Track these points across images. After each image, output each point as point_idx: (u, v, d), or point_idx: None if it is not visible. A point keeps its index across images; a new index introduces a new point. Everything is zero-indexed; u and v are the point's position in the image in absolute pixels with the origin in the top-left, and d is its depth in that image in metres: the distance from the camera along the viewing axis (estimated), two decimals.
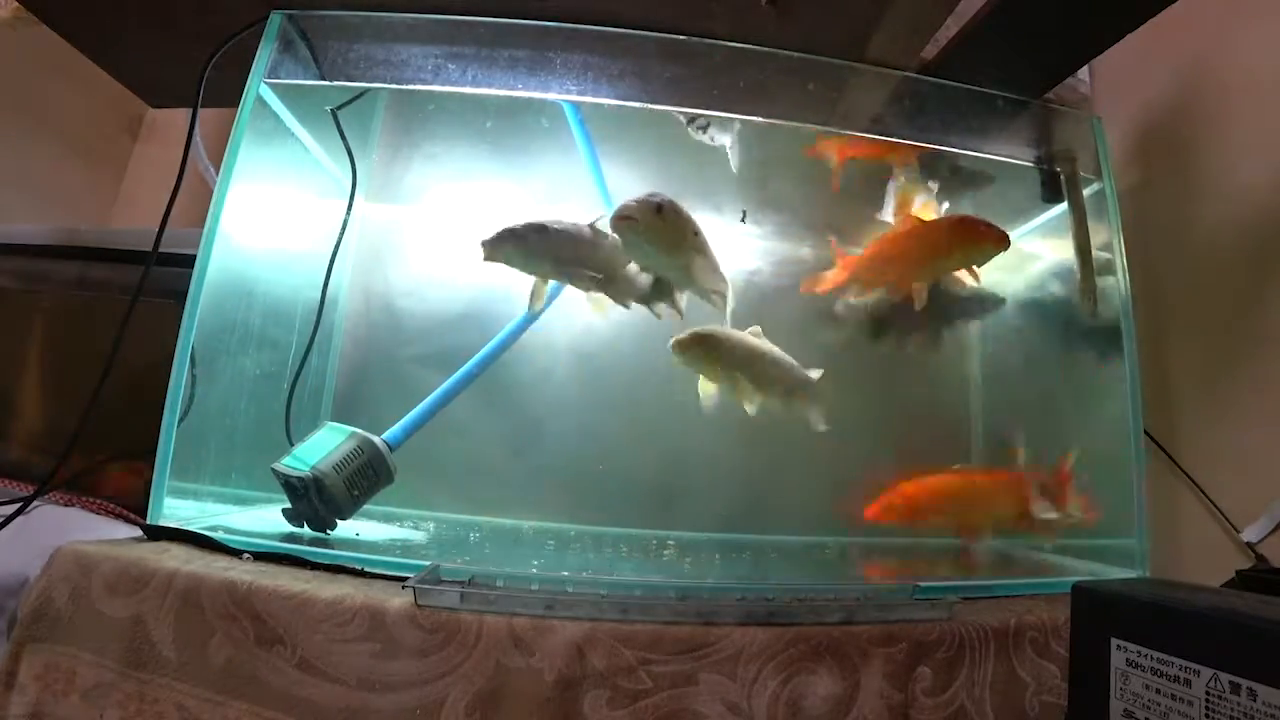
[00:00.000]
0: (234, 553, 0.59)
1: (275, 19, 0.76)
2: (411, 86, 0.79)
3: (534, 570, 0.63)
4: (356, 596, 0.51)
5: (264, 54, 0.74)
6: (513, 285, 0.90)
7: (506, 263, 0.75)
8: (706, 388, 0.78)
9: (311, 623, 0.50)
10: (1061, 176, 0.86)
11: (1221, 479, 0.80)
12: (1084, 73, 0.95)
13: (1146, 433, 0.79)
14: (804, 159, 0.92)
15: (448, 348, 0.87)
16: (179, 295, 0.66)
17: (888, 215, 0.91)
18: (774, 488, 0.96)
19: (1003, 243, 0.82)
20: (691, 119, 0.81)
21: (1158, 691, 0.45)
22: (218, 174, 0.70)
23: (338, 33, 0.78)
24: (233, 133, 0.71)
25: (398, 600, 0.51)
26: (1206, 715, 0.42)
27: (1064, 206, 0.86)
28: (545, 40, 0.77)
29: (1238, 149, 0.83)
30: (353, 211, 0.92)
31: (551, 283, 0.83)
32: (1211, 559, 0.78)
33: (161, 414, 0.64)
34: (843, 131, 0.85)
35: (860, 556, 0.87)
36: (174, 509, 0.65)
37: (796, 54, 0.78)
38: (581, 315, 0.88)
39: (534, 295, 0.78)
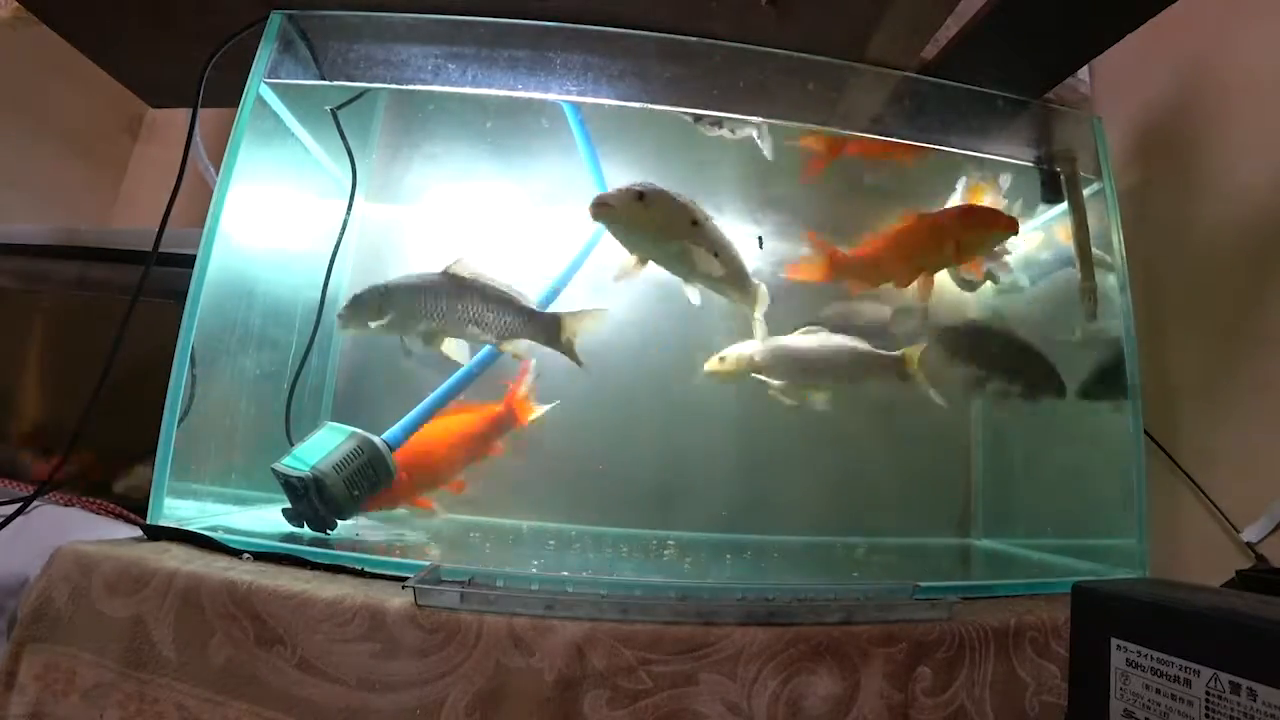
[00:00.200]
0: (234, 553, 0.59)
1: (275, 19, 0.76)
2: (411, 86, 0.79)
3: (534, 570, 0.63)
4: (356, 596, 0.51)
5: (264, 54, 0.74)
6: (513, 284, 0.91)
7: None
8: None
9: (311, 623, 0.50)
10: (1061, 176, 0.86)
11: (1221, 479, 0.80)
12: (1084, 73, 0.95)
13: (1146, 433, 0.79)
14: (804, 159, 0.92)
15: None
16: (179, 295, 0.66)
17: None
18: (774, 488, 0.96)
19: (1012, 228, 0.81)
20: (697, 116, 0.81)
21: (1158, 691, 0.45)
22: (218, 174, 0.70)
23: (338, 33, 0.78)
24: (233, 133, 0.71)
25: (398, 600, 0.51)
26: (1206, 715, 0.42)
27: (1064, 206, 0.86)
28: (545, 40, 0.77)
29: (1238, 149, 0.83)
30: (353, 211, 0.92)
31: (547, 286, 0.83)
32: (1211, 559, 0.78)
33: (161, 414, 0.64)
34: (843, 132, 0.85)
35: (862, 556, 0.87)
36: (174, 509, 0.65)
37: (796, 54, 0.78)
38: (579, 316, 0.88)
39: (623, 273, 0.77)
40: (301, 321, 0.88)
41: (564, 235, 0.91)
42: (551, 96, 0.79)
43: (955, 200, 0.91)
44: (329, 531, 0.69)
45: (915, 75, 0.81)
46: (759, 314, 0.83)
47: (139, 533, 0.63)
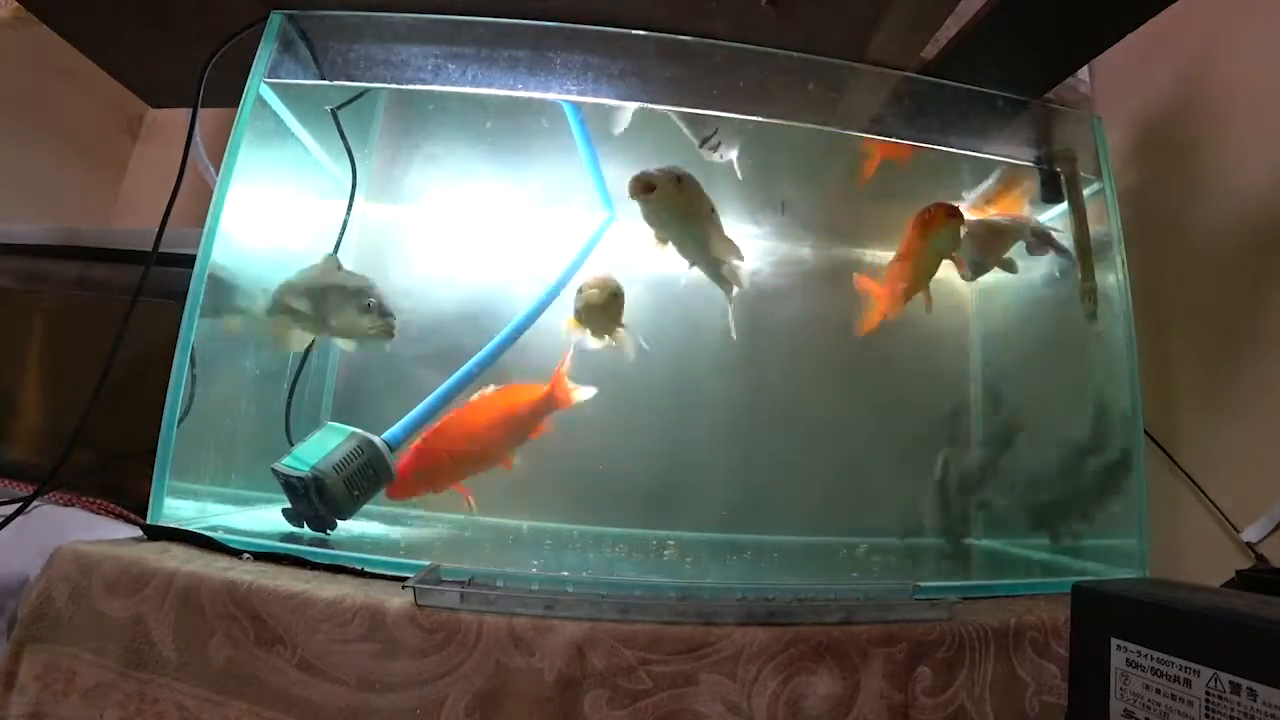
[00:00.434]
0: (234, 553, 0.59)
1: (275, 19, 0.76)
2: (411, 86, 0.79)
3: (534, 570, 0.63)
4: (356, 596, 0.51)
5: (264, 54, 0.74)
6: (513, 284, 0.91)
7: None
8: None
9: (311, 623, 0.50)
10: (1061, 176, 0.86)
11: (1221, 479, 0.80)
12: (1084, 73, 0.95)
13: (1146, 433, 0.79)
14: (804, 159, 0.92)
15: (448, 348, 0.87)
16: (179, 295, 0.66)
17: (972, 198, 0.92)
18: (774, 488, 0.96)
19: (954, 216, 0.81)
20: (703, 141, 0.82)
21: (1158, 691, 0.45)
22: (218, 174, 0.70)
23: (338, 33, 0.78)
24: (233, 133, 0.71)
25: (398, 600, 0.51)
26: (1206, 715, 0.42)
27: (1064, 206, 0.86)
28: (545, 40, 0.77)
29: (1238, 149, 0.83)
30: (353, 211, 0.92)
31: (547, 286, 0.83)
32: (1211, 559, 0.78)
33: (161, 414, 0.64)
34: (844, 132, 0.85)
35: (862, 556, 0.87)
36: (174, 509, 0.65)
37: (796, 54, 0.78)
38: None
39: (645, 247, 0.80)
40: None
41: (563, 235, 0.91)
42: (551, 96, 0.79)
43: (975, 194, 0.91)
44: (329, 531, 0.69)
45: (915, 75, 0.81)
46: (732, 296, 0.85)
47: (139, 533, 0.63)
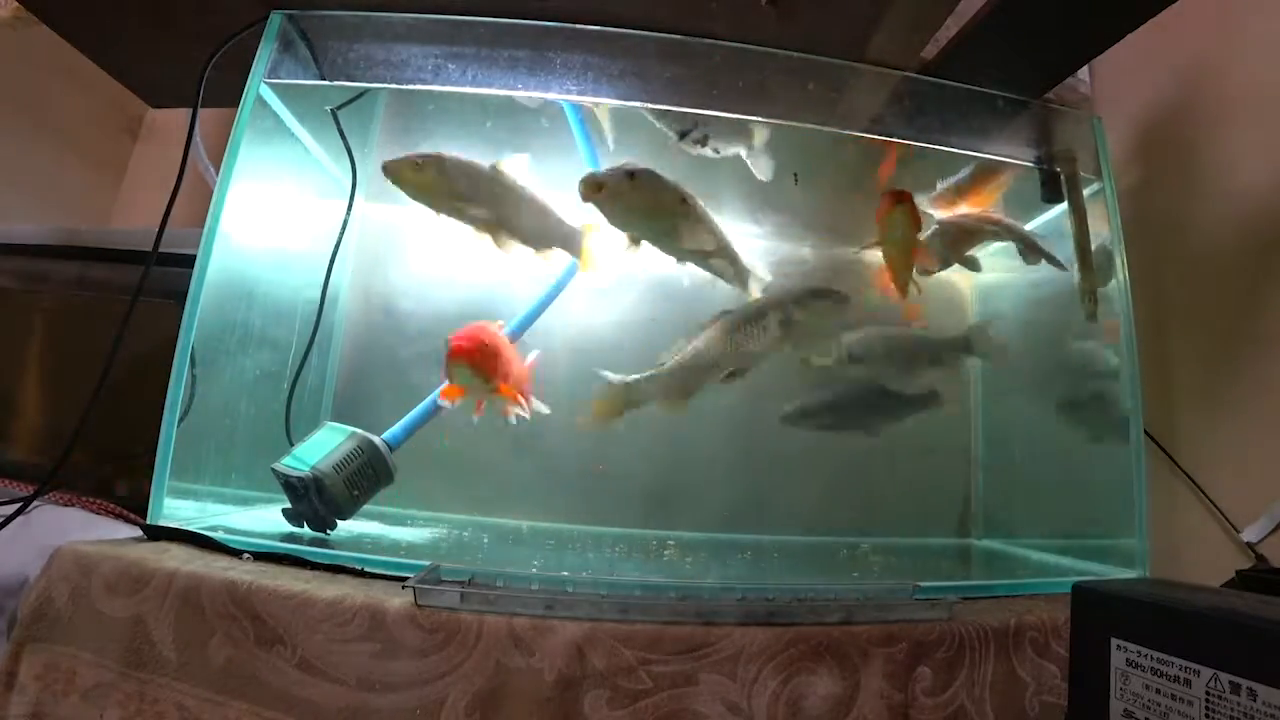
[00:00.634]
0: (234, 553, 0.59)
1: (275, 19, 0.76)
2: (411, 86, 0.79)
3: (534, 570, 0.63)
4: (356, 596, 0.51)
5: (264, 54, 0.74)
6: (513, 284, 0.91)
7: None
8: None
9: (311, 623, 0.50)
10: (1061, 176, 0.86)
11: (1221, 479, 0.80)
12: (1084, 73, 0.95)
13: (1146, 433, 0.79)
14: (804, 159, 0.92)
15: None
16: (179, 295, 0.66)
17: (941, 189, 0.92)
18: (774, 488, 0.96)
19: (901, 201, 0.82)
20: (682, 134, 0.81)
21: (1158, 691, 0.45)
22: (218, 174, 0.70)
23: (338, 33, 0.78)
24: (233, 133, 0.71)
25: (398, 600, 0.51)
26: (1206, 715, 0.42)
27: (1064, 206, 0.86)
28: (545, 40, 0.77)
29: (1238, 149, 0.83)
30: (353, 211, 0.92)
31: (551, 280, 0.83)
32: (1211, 559, 0.78)
33: (161, 414, 0.64)
34: (846, 132, 0.85)
35: (862, 556, 0.87)
36: (174, 509, 0.65)
37: (796, 54, 0.78)
38: (582, 315, 0.88)
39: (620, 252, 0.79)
40: (301, 321, 0.88)
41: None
42: (551, 96, 0.79)
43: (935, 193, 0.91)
44: (329, 531, 0.69)
45: (915, 75, 0.81)
46: (753, 293, 0.84)
47: (139, 533, 0.63)
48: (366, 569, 0.58)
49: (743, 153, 0.85)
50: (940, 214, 0.89)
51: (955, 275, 1.04)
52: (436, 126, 0.93)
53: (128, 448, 0.77)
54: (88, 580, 0.54)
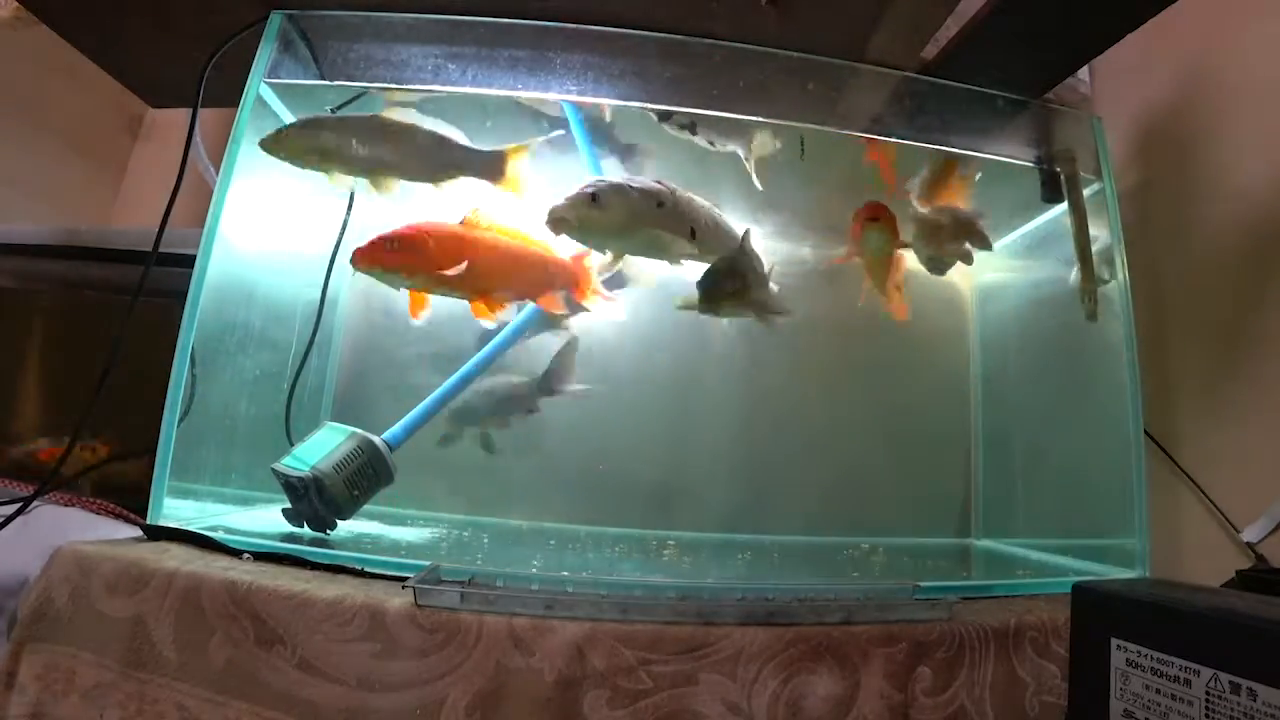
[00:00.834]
0: (234, 553, 0.59)
1: (275, 19, 0.76)
2: (411, 87, 0.79)
3: (534, 570, 0.63)
4: (356, 596, 0.51)
5: (264, 54, 0.74)
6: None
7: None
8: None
9: (311, 623, 0.50)
10: (1061, 176, 0.86)
11: (1221, 479, 0.80)
12: (1084, 73, 0.95)
13: (1146, 433, 0.79)
14: (805, 159, 0.92)
15: (448, 348, 0.87)
16: (179, 295, 0.66)
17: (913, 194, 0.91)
18: (774, 488, 0.96)
19: (874, 219, 0.82)
20: (664, 115, 0.79)
21: (1158, 691, 0.45)
22: (218, 174, 0.70)
23: (338, 33, 0.78)
24: (233, 133, 0.70)
25: (398, 600, 0.51)
26: (1206, 715, 0.42)
27: (1064, 206, 0.86)
28: (545, 40, 0.77)
29: (1238, 149, 0.83)
30: (353, 212, 0.92)
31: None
32: (1211, 559, 0.78)
33: (161, 414, 0.64)
34: (845, 133, 0.85)
35: (862, 556, 0.87)
36: (174, 509, 0.65)
37: (796, 54, 0.78)
38: (581, 315, 0.88)
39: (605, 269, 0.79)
40: (301, 322, 0.88)
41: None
42: (552, 96, 0.79)
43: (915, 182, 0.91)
44: (329, 531, 0.69)
45: (915, 75, 0.81)
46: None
47: (139, 533, 0.63)
48: (366, 569, 0.58)
49: (740, 151, 0.85)
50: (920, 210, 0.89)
51: (955, 275, 1.04)
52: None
53: (128, 447, 0.78)
54: (88, 580, 0.54)
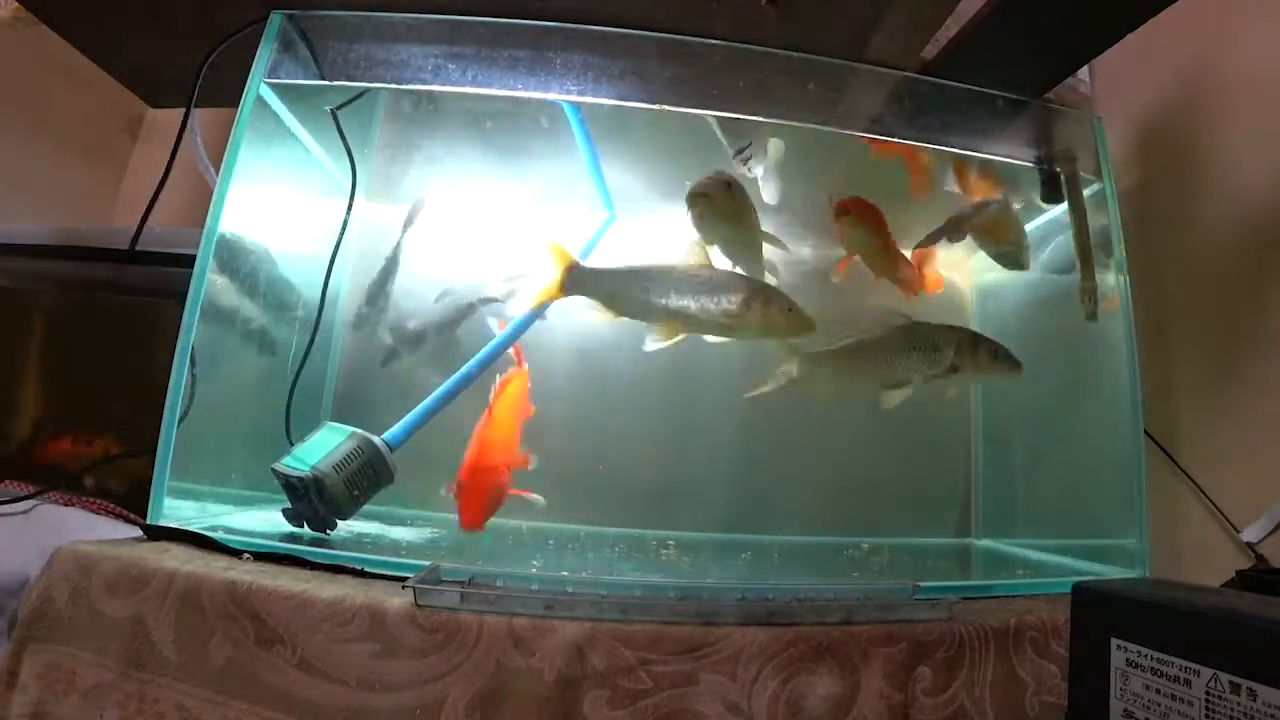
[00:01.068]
0: (234, 553, 0.59)
1: (275, 19, 0.76)
2: (411, 87, 0.79)
3: (534, 570, 0.63)
4: (356, 596, 0.51)
5: (264, 54, 0.74)
6: (513, 284, 0.91)
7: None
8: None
9: (311, 623, 0.50)
10: (1062, 177, 0.86)
11: (1221, 479, 0.80)
12: (1084, 73, 0.95)
13: (1146, 433, 0.79)
14: (805, 159, 0.92)
15: (448, 348, 0.87)
16: (179, 295, 0.66)
17: (952, 187, 0.92)
18: (774, 488, 0.96)
19: (848, 210, 0.83)
20: (738, 151, 0.82)
21: (1158, 691, 0.45)
22: (218, 174, 0.70)
23: (338, 33, 0.78)
24: (233, 133, 0.70)
25: (398, 600, 0.51)
26: (1206, 715, 0.42)
27: (1064, 206, 0.86)
28: (545, 40, 0.77)
29: (1238, 149, 0.83)
30: (352, 211, 0.92)
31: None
32: (1211, 559, 0.78)
33: (161, 413, 0.64)
34: (846, 133, 0.85)
35: (862, 556, 0.87)
36: (174, 509, 0.65)
37: (796, 54, 0.78)
38: (582, 315, 0.88)
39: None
40: (301, 322, 0.88)
41: (564, 234, 0.91)
42: (552, 96, 0.79)
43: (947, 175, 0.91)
44: (329, 531, 0.69)
45: (915, 75, 0.81)
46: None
47: (139, 533, 0.63)
48: (366, 569, 0.58)
49: (759, 174, 0.86)
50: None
51: (955, 275, 1.04)
52: (437, 127, 0.93)
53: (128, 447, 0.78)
54: (88, 580, 0.54)
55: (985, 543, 0.98)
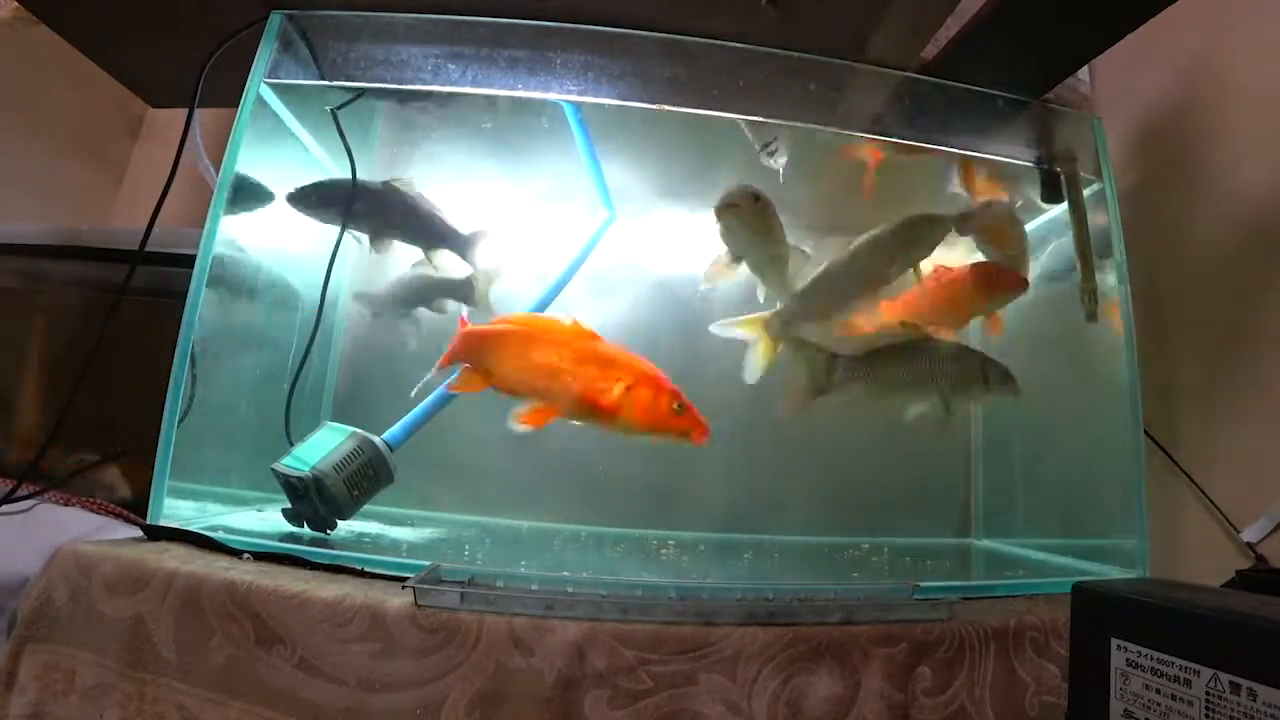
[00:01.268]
0: (234, 553, 0.59)
1: (275, 19, 0.76)
2: (411, 87, 0.79)
3: (534, 570, 0.63)
4: (356, 596, 0.51)
5: (264, 54, 0.74)
6: (514, 284, 0.91)
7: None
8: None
9: (311, 623, 0.50)
10: (1062, 177, 0.86)
11: (1221, 479, 0.80)
12: (1084, 73, 0.95)
13: (1146, 433, 0.79)
14: (805, 159, 0.92)
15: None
16: (179, 295, 0.66)
17: (956, 188, 0.90)
18: (774, 488, 0.96)
19: (1021, 286, 0.82)
20: (765, 144, 0.82)
21: (1158, 691, 0.45)
22: (218, 174, 0.70)
23: (338, 33, 0.78)
24: (233, 133, 0.70)
25: (398, 600, 0.51)
26: (1206, 715, 0.42)
27: (1064, 207, 0.86)
28: (545, 40, 0.77)
29: (1237, 149, 0.83)
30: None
31: (546, 286, 0.83)
32: (1211, 559, 0.78)
33: (161, 413, 0.64)
34: (846, 132, 0.85)
35: (862, 556, 0.87)
36: (174, 509, 0.65)
37: (796, 54, 0.78)
38: (582, 315, 0.88)
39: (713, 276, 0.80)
40: (301, 322, 0.88)
41: (564, 233, 0.91)
42: (551, 96, 0.79)
43: (952, 177, 0.90)
44: (329, 531, 0.69)
45: (915, 75, 0.81)
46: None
47: (139, 533, 0.63)
48: (366, 569, 0.58)
49: (784, 162, 0.85)
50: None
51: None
52: (437, 127, 0.93)
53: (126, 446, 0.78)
54: (88, 580, 0.54)
55: (985, 543, 0.98)
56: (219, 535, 0.61)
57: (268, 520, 0.72)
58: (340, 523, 0.69)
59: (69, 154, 1.26)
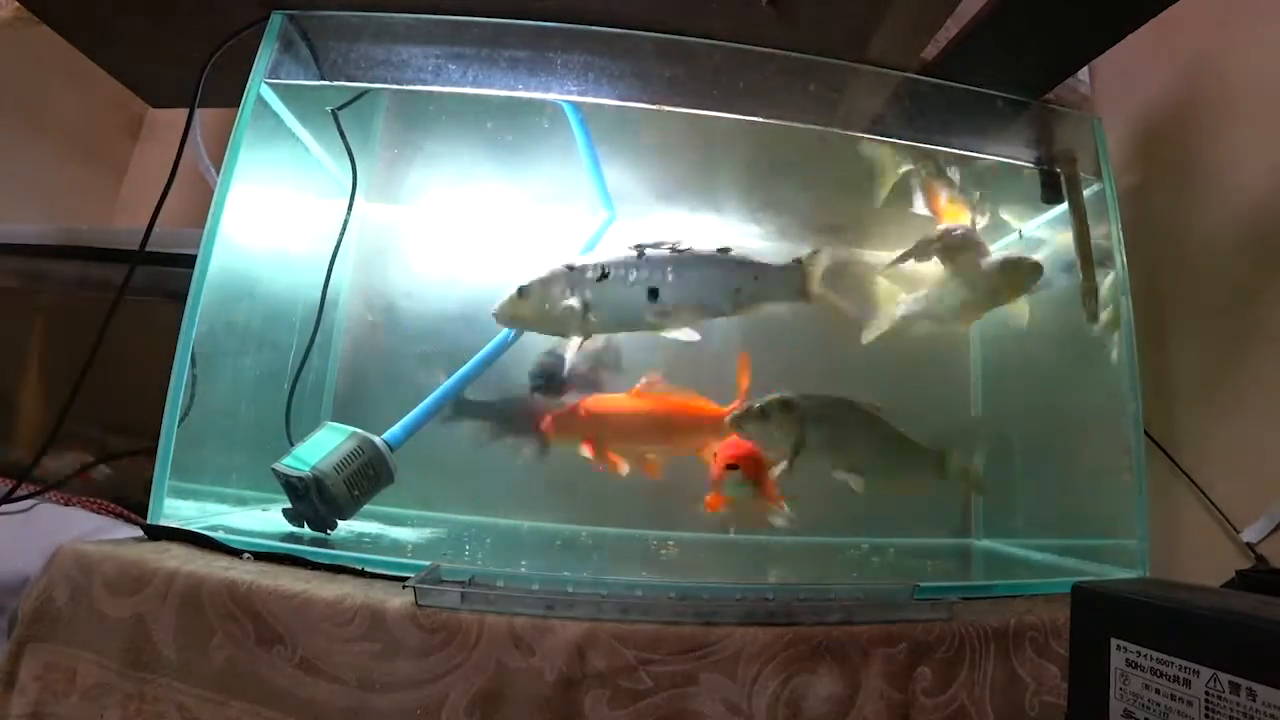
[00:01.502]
0: (234, 553, 0.59)
1: (276, 19, 0.76)
2: (411, 87, 0.79)
3: (534, 570, 0.63)
4: (357, 596, 0.51)
5: (264, 54, 0.74)
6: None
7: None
8: None
9: (312, 622, 0.50)
10: (1062, 177, 0.86)
11: (1221, 479, 0.80)
12: (1084, 73, 0.95)
13: (1146, 433, 0.79)
14: (806, 160, 0.92)
15: (448, 348, 0.87)
16: (179, 295, 0.66)
17: (920, 209, 0.90)
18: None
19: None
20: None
21: (1158, 691, 0.45)
22: (218, 174, 0.70)
23: (338, 33, 0.78)
24: (233, 133, 0.70)
25: (398, 600, 0.51)
26: (1206, 715, 0.42)
27: (1064, 207, 0.86)
28: (545, 40, 0.77)
29: (1238, 149, 0.83)
30: (353, 211, 0.92)
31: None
32: (1211, 559, 0.78)
33: (161, 414, 0.64)
34: (846, 132, 0.85)
35: (862, 556, 0.87)
36: (174, 509, 0.65)
37: (796, 54, 0.78)
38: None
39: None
40: (301, 321, 0.88)
41: (564, 233, 0.91)
42: (552, 97, 0.79)
43: (915, 197, 0.90)
44: (329, 531, 0.69)
45: (915, 75, 0.81)
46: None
47: (139, 533, 0.63)
48: (367, 569, 0.58)
49: None
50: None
51: None
52: (437, 127, 0.93)
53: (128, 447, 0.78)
54: (88, 580, 0.54)
55: (985, 543, 0.98)
56: (219, 535, 0.61)
57: (268, 520, 0.72)
58: (340, 523, 0.69)
59: (69, 154, 1.26)
